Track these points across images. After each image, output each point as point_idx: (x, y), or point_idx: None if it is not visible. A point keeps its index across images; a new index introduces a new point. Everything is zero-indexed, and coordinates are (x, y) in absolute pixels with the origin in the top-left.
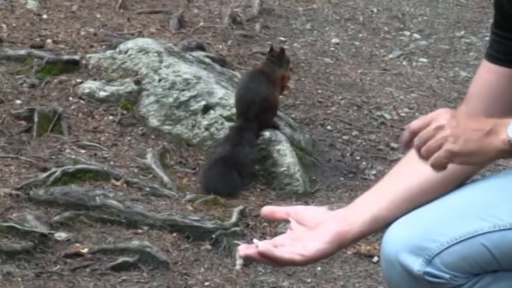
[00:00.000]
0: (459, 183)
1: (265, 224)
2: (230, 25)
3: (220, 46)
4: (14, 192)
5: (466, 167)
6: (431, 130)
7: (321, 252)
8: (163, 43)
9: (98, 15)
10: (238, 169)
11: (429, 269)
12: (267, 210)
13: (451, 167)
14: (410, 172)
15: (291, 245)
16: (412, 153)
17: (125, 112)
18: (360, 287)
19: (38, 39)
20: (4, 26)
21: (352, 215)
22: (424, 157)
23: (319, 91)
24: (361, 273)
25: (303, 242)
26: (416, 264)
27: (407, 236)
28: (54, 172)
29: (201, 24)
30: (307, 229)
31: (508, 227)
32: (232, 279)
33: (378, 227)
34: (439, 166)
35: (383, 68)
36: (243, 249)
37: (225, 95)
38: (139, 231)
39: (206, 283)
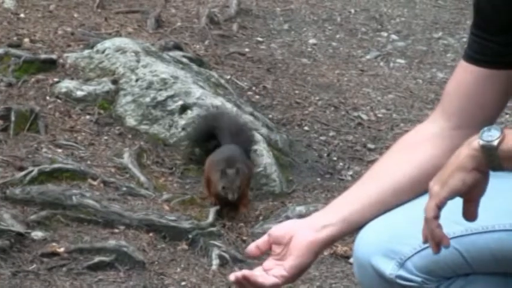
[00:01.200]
0: None
1: (242, 224)
2: (208, 25)
3: (198, 46)
4: None
5: (439, 168)
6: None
7: (298, 267)
8: (140, 43)
9: (76, 15)
10: None
11: (401, 273)
12: (251, 248)
13: (423, 167)
14: (383, 175)
15: (275, 268)
16: (387, 156)
17: (102, 112)
18: (337, 287)
19: (15, 38)
20: None
21: (323, 220)
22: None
23: (297, 91)
24: (337, 274)
25: (284, 262)
26: (389, 268)
27: (379, 240)
28: (31, 171)
29: (179, 24)
30: (284, 246)
31: (480, 230)
32: (209, 279)
33: (350, 230)
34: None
35: (360, 68)
36: (234, 274)
37: (202, 95)
38: (116, 230)
39: (183, 283)
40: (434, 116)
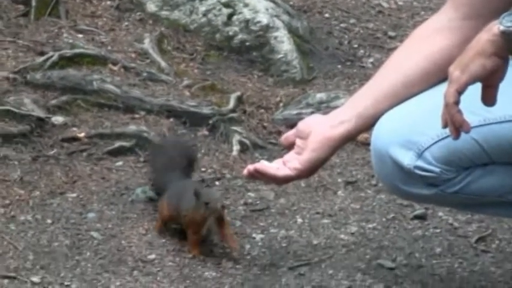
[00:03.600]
0: (444, 74)
1: (263, 110)
2: None
3: None
4: (11, 75)
5: (449, 59)
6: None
7: (312, 161)
8: None
9: None
10: None
11: (419, 163)
12: (281, 139)
13: (432, 59)
14: (394, 69)
15: (292, 160)
16: (398, 51)
17: None
18: (357, 174)
19: None
20: None
21: (340, 116)
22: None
23: None
24: (358, 161)
25: (300, 155)
26: (407, 159)
27: (397, 130)
28: (52, 56)
29: None
30: (304, 140)
31: (497, 120)
32: (229, 164)
33: (366, 126)
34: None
35: None
36: (246, 168)
37: None
38: (136, 116)
39: (203, 169)
40: (443, 8)
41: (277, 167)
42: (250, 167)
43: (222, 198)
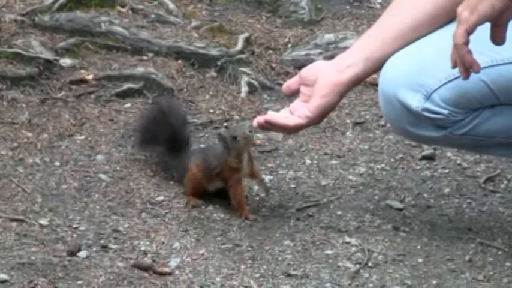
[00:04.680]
0: (450, 17)
1: (271, 51)
2: None
3: None
4: (19, 18)
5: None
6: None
7: (322, 107)
8: None
9: None
10: None
11: (428, 105)
12: (284, 88)
13: (438, 2)
14: (400, 12)
15: (300, 108)
16: None
17: None
18: (365, 115)
19: None
20: None
21: (347, 61)
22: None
23: None
24: (366, 102)
25: (308, 103)
26: (415, 101)
27: (404, 73)
28: None
29: None
30: (311, 88)
31: (506, 61)
32: (237, 106)
33: (373, 69)
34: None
35: None
36: (256, 120)
37: None
38: (145, 58)
39: (211, 110)
40: None
41: (286, 117)
42: (260, 118)
43: (248, 126)
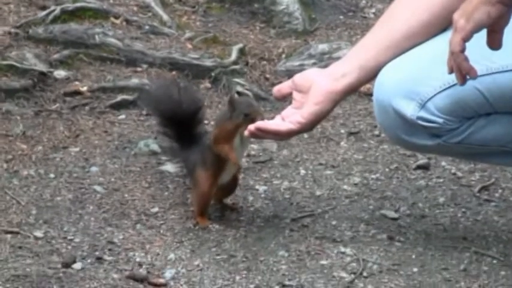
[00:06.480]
0: (445, 26)
1: (265, 62)
2: None
3: None
4: (13, 30)
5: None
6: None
7: (315, 114)
8: None
9: None
10: None
11: (422, 114)
12: (274, 91)
13: (432, 10)
14: (394, 20)
15: (292, 115)
16: (396, 2)
17: None
18: (360, 125)
19: None
20: None
21: (342, 69)
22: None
23: None
24: (361, 112)
25: (301, 109)
26: (410, 109)
27: (399, 81)
28: (54, 10)
29: None
30: (304, 94)
31: (500, 69)
32: None
33: (368, 78)
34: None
35: None
36: (247, 129)
37: None
38: (139, 69)
39: (206, 121)
40: None
41: (277, 123)
42: (251, 126)
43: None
